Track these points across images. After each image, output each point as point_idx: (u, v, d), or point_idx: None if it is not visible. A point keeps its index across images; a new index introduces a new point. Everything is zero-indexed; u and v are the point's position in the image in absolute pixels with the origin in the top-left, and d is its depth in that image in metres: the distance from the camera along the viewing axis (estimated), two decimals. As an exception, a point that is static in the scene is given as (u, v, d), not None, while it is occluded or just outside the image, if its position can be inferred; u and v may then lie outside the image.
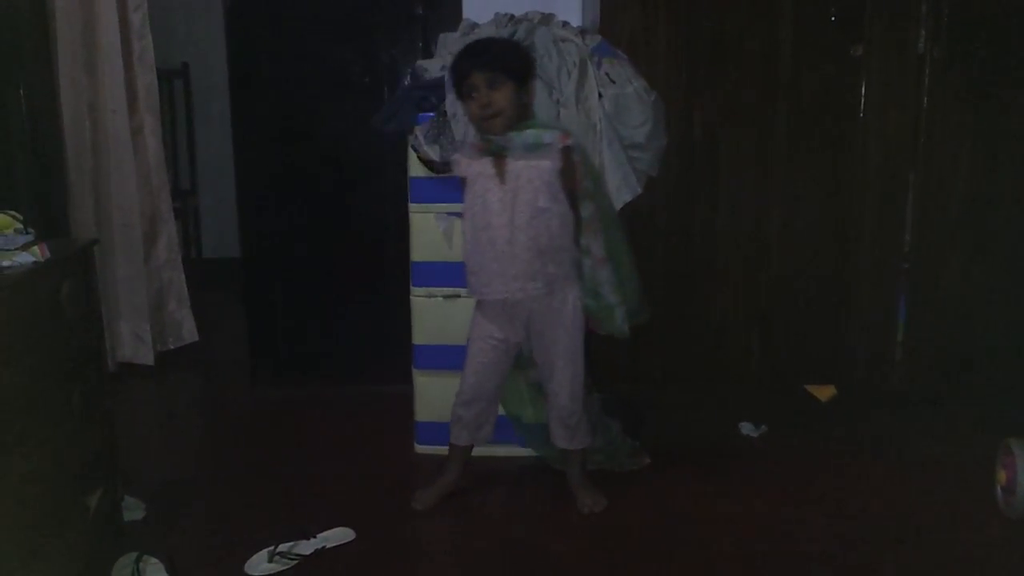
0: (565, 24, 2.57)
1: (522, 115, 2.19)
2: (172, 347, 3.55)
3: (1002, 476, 2.30)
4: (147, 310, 3.40)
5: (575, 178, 2.20)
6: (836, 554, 2.15)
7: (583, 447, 2.39)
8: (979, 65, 2.83)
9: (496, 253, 2.18)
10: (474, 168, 2.20)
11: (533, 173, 2.15)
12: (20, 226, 1.84)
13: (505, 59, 2.17)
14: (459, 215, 2.51)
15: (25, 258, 1.77)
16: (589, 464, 2.46)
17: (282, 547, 2.09)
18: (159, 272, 3.52)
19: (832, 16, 2.83)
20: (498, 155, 2.17)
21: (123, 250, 3.35)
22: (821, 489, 2.46)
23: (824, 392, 3.02)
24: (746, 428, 2.82)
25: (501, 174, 2.17)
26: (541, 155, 2.15)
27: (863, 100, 2.88)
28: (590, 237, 2.24)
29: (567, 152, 2.17)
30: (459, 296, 2.56)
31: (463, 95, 2.19)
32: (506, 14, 2.56)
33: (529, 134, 2.16)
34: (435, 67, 2.53)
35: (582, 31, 2.55)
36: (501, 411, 2.45)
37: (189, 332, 3.62)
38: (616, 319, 2.31)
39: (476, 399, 2.34)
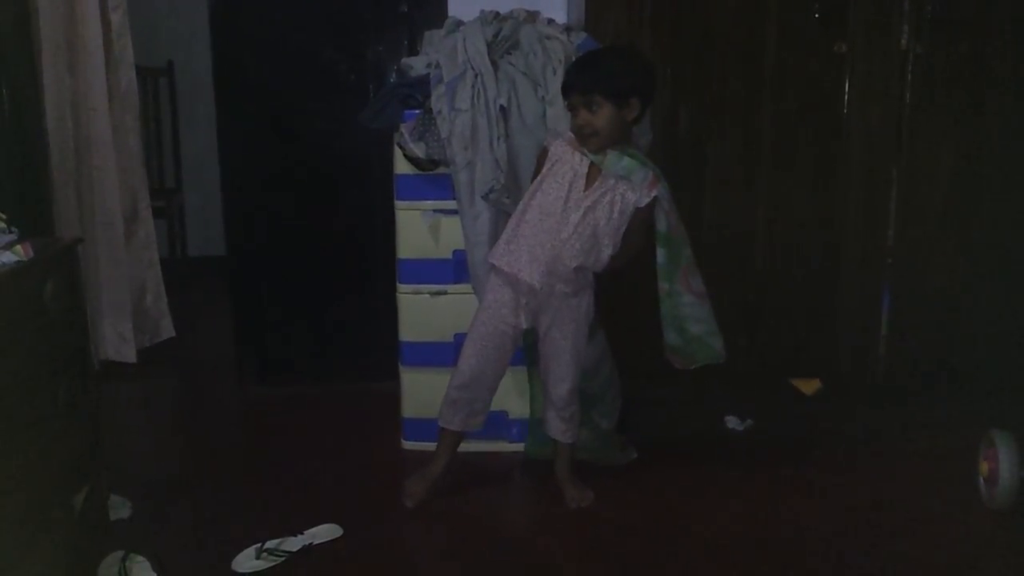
0: (550, 21, 2.57)
1: (623, 134, 2.22)
2: (149, 344, 3.53)
3: (984, 468, 2.32)
4: (129, 308, 3.39)
5: (643, 227, 2.27)
6: (822, 546, 2.17)
7: (572, 441, 2.40)
8: (962, 61, 2.85)
9: (544, 240, 2.20)
10: (569, 158, 2.22)
11: (617, 198, 2.20)
12: (3, 225, 1.83)
13: (604, 81, 2.17)
14: (443, 212, 2.52)
15: (8, 257, 1.77)
16: (577, 456, 2.46)
17: (269, 544, 2.09)
18: (137, 269, 3.51)
19: (816, 13, 2.85)
20: (595, 164, 2.21)
21: (104, 249, 3.33)
22: (807, 482, 2.48)
23: (809, 386, 3.03)
24: (732, 422, 2.83)
25: (590, 181, 2.21)
26: (631, 187, 2.20)
27: (846, 96, 2.90)
28: (674, 277, 2.33)
29: (651, 205, 2.22)
30: (445, 293, 2.57)
31: (568, 109, 2.23)
32: (491, 11, 2.56)
33: (624, 166, 2.19)
34: (420, 64, 2.53)
35: (567, 28, 2.56)
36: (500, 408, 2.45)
37: (166, 328, 3.60)
38: (713, 347, 2.41)
39: (473, 383, 2.32)
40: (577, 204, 2.20)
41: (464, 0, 2.73)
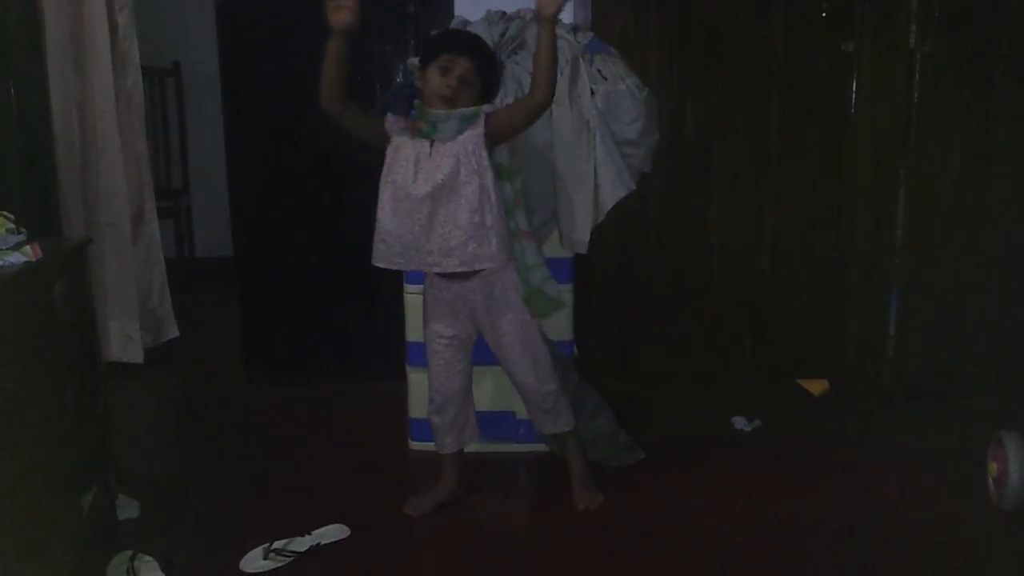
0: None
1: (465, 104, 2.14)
2: (152, 344, 3.54)
3: (993, 468, 2.31)
4: (136, 309, 3.39)
5: (509, 109, 2.17)
6: (830, 547, 2.16)
7: (570, 428, 2.38)
8: (970, 60, 2.84)
9: (413, 227, 2.13)
10: (408, 142, 2.14)
11: (457, 147, 2.10)
12: (12, 226, 1.83)
13: (490, 69, 2.18)
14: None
15: (17, 258, 1.77)
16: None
17: (277, 544, 2.10)
18: (142, 269, 3.51)
19: (823, 12, 2.84)
20: (428, 137, 2.12)
21: (111, 249, 3.35)
22: (814, 482, 2.48)
23: (817, 386, 3.03)
24: (739, 422, 2.83)
25: (429, 149, 2.12)
26: (467, 128, 2.11)
27: (854, 96, 2.89)
28: (516, 213, 2.22)
29: (491, 115, 2.13)
30: (452, 293, 2.56)
31: (431, 61, 2.12)
32: (498, 11, 2.56)
33: (459, 115, 2.11)
34: (427, 64, 2.53)
35: (574, 28, 2.55)
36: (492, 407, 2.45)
37: (170, 329, 3.61)
38: (548, 293, 2.25)
39: (446, 403, 2.32)
40: (427, 175, 2.10)
41: (470, 0, 2.72)
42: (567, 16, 2.75)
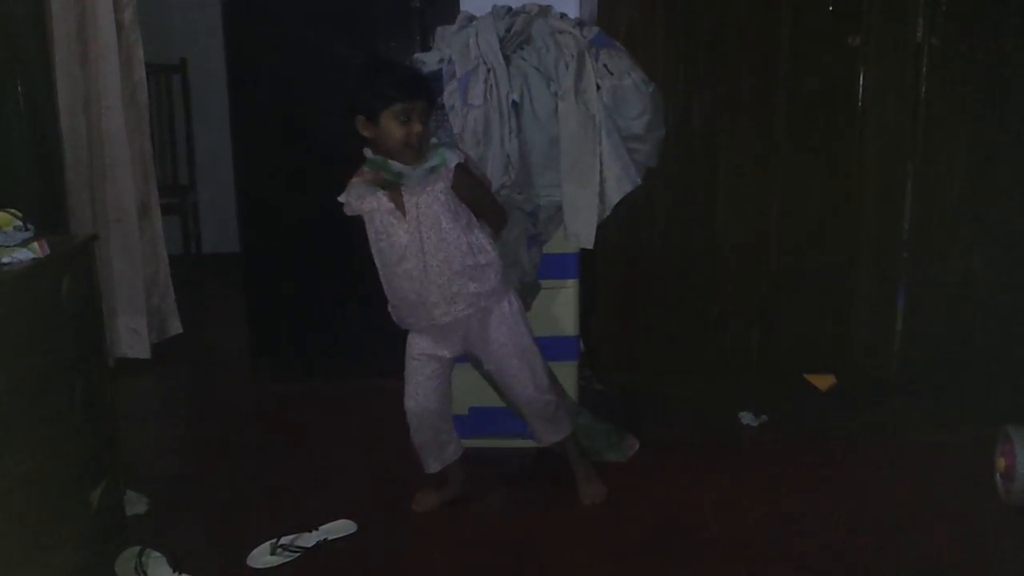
0: (563, 16, 2.56)
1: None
2: (157, 340, 3.54)
3: (1001, 463, 2.31)
4: (143, 305, 3.40)
5: (473, 189, 2.17)
6: (838, 542, 2.16)
7: (569, 434, 2.37)
8: (977, 54, 2.82)
9: (413, 285, 2.14)
10: (370, 204, 2.12)
11: (431, 198, 2.09)
12: (19, 223, 1.84)
13: (434, 97, 2.16)
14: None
15: (25, 254, 1.78)
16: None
17: (284, 540, 2.10)
18: (145, 265, 3.52)
19: (831, 6, 2.83)
20: (392, 187, 2.10)
21: (118, 245, 3.35)
22: (822, 478, 2.47)
23: (824, 381, 3.02)
24: (746, 418, 2.82)
25: (400, 207, 2.10)
26: (435, 179, 2.10)
27: (861, 90, 2.88)
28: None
29: (460, 169, 2.12)
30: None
31: (384, 109, 2.05)
32: (504, 6, 2.55)
33: (433, 161, 2.10)
34: (433, 60, 2.53)
35: (580, 23, 2.55)
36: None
37: (173, 325, 3.61)
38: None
39: (424, 423, 2.29)
40: (409, 234, 2.09)
41: (476, -5, 2.72)
42: (573, 10, 2.74)
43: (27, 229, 1.84)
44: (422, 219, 2.10)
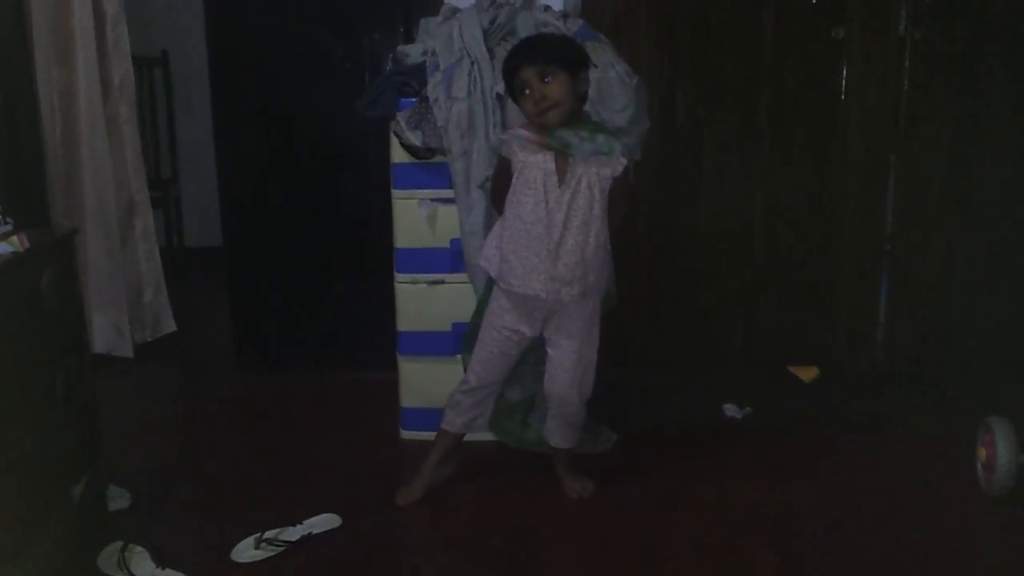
0: (547, 8, 2.56)
1: (578, 108, 2.16)
2: (150, 339, 3.51)
3: (982, 454, 2.33)
4: (125, 302, 3.36)
5: (624, 189, 2.22)
6: (819, 533, 2.17)
7: (575, 446, 2.38)
8: (960, 47, 2.84)
9: (540, 249, 2.13)
10: (533, 158, 2.13)
11: (594, 179, 2.12)
12: (-2, 216, 1.83)
13: (554, 50, 2.14)
14: (441, 201, 2.51)
15: (4, 248, 1.76)
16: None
17: (268, 534, 2.09)
18: (136, 262, 3.49)
19: (813, -1, 2.84)
20: (560, 152, 2.13)
21: (98, 240, 3.31)
22: (806, 469, 2.49)
23: (808, 373, 3.04)
24: (730, 410, 2.83)
25: (561, 173, 2.12)
26: (603, 163, 2.13)
27: (845, 83, 2.89)
28: None
29: (627, 171, 2.18)
30: (443, 282, 2.56)
31: (517, 94, 2.13)
32: (488, -2, 2.55)
33: (601, 140, 2.13)
34: (416, 52, 2.52)
35: (564, 15, 2.54)
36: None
37: (166, 323, 3.58)
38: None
39: (480, 389, 2.31)
40: (558, 202, 2.11)
41: (460, -13, 2.71)
42: (557, 3, 2.74)
43: (6, 223, 1.83)
44: (576, 195, 2.12)
